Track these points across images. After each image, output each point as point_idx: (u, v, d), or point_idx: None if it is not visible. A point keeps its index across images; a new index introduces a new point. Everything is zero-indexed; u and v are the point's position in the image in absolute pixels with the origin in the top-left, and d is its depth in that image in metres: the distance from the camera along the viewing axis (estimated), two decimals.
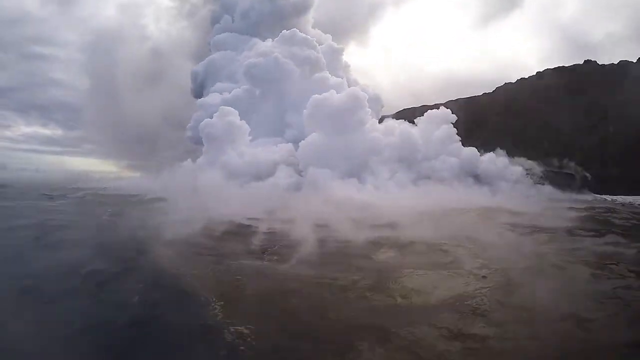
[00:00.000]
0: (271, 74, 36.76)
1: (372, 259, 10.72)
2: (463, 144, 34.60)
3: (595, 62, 61.91)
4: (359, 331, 6.13)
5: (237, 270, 9.43)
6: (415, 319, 6.60)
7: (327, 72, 38.98)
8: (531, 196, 30.19)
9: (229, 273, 9.21)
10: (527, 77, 66.48)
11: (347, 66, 45.84)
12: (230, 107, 33.71)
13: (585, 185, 40.49)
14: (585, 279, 8.95)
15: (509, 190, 30.68)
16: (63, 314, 6.72)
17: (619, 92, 54.71)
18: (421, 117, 36.14)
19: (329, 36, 45.71)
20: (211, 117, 33.48)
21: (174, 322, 6.47)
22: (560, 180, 37.32)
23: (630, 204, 32.81)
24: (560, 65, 64.29)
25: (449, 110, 36.18)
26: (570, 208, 24.06)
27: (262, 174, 29.23)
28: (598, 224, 18.09)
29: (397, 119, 37.64)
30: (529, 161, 36.89)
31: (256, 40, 43.41)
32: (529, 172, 34.68)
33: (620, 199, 38.17)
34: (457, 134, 34.99)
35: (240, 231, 14.39)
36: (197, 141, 36.83)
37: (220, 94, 38.77)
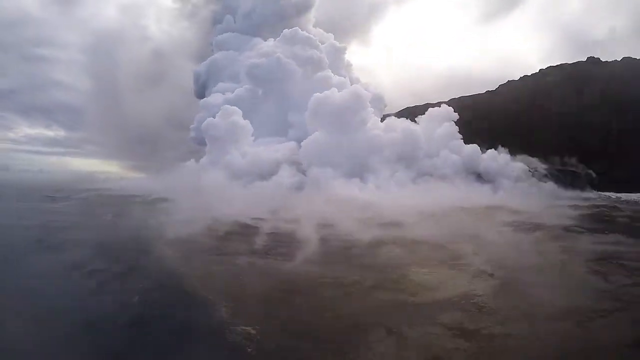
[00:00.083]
0: (273, 74, 36.85)
1: (376, 257, 10.77)
2: (466, 143, 34.55)
3: (599, 58, 61.56)
4: (366, 329, 6.20)
5: (241, 269, 9.52)
6: (421, 316, 6.67)
7: (330, 71, 39.01)
8: (533, 194, 30.11)
9: (233, 272, 9.29)
10: (530, 74, 66.25)
11: (349, 65, 45.95)
12: (233, 107, 33.84)
13: (589, 183, 40.35)
14: (586, 279, 8.97)
15: (511, 188, 30.64)
16: (63, 314, 6.77)
17: (623, 88, 54.38)
18: (423, 116, 36.17)
19: (331, 35, 45.79)
20: (214, 117, 33.62)
21: (175, 321, 6.51)
22: (563, 177, 37.20)
23: (635, 201, 32.71)
24: (563, 62, 64.05)
25: (450, 108, 36.16)
26: (573, 206, 24.00)
27: (265, 173, 29.35)
28: (601, 222, 18.06)
29: (399, 118, 37.63)
30: (532, 159, 36.80)
31: (258, 40, 43.53)
32: (532, 169, 34.59)
33: (624, 196, 38.04)
34: (460, 132, 34.99)
35: (244, 231, 14.48)
36: (200, 142, 37.03)
37: (223, 94, 38.91)
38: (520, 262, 10.12)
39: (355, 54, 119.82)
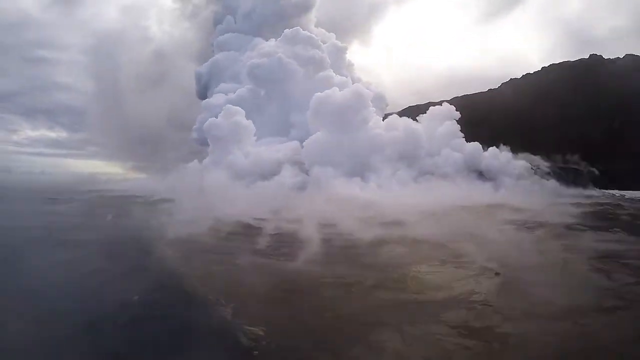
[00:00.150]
0: (275, 74, 36.81)
1: (378, 256, 10.77)
2: (468, 141, 34.42)
3: (601, 56, 61.34)
4: (368, 329, 6.22)
5: (243, 269, 9.54)
6: (424, 315, 6.68)
7: (331, 71, 38.97)
8: (535, 192, 30.00)
9: (234, 272, 9.32)
10: (532, 72, 66.10)
11: (350, 65, 45.79)
12: (236, 107, 33.86)
13: (592, 181, 40.17)
14: (588, 277, 8.95)
15: (513, 186, 30.54)
16: (64, 314, 6.77)
17: (625, 85, 54.15)
18: (424, 114, 36.10)
19: (332, 35, 45.62)
20: (216, 118, 33.66)
21: (176, 321, 6.51)
22: (566, 175, 37.06)
23: (639, 199, 32.54)
24: (565, 60, 63.89)
25: (452, 106, 36.07)
26: (576, 204, 23.94)
27: (267, 173, 29.36)
28: (604, 220, 18.01)
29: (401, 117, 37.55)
30: (534, 156, 36.67)
31: (259, 40, 43.48)
32: (534, 167, 34.47)
33: (628, 194, 37.89)
34: (463, 130, 34.88)
35: (246, 231, 14.52)
36: (203, 142, 37.02)
37: (225, 94, 38.90)
38: (523, 261, 10.10)
39: (357, 54, 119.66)
